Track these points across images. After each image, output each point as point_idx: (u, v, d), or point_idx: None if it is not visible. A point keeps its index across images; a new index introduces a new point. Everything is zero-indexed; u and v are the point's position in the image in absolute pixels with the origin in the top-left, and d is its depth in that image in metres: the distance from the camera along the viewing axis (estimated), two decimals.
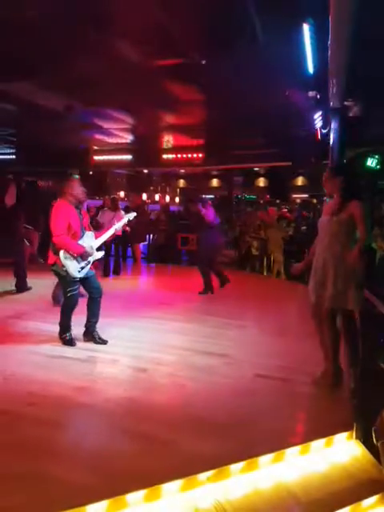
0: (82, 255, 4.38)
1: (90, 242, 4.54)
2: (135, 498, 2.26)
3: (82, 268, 4.44)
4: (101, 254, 4.68)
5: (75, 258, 4.37)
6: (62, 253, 4.31)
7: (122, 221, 4.94)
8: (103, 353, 4.35)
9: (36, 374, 3.77)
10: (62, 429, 2.90)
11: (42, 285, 7.21)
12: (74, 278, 4.42)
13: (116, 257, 9.31)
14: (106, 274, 8.77)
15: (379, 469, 2.73)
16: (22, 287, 6.97)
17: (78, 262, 4.40)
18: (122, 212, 8.45)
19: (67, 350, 4.39)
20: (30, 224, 6.86)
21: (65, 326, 4.57)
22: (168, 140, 11.66)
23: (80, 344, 4.53)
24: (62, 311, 4.57)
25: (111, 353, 4.37)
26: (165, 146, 11.82)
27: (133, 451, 2.66)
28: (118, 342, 4.69)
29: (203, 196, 7.58)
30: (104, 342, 4.62)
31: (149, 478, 2.38)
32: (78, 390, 3.48)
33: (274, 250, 9.58)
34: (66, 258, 4.32)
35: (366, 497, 2.52)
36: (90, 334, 4.66)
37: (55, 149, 11.55)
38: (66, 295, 4.51)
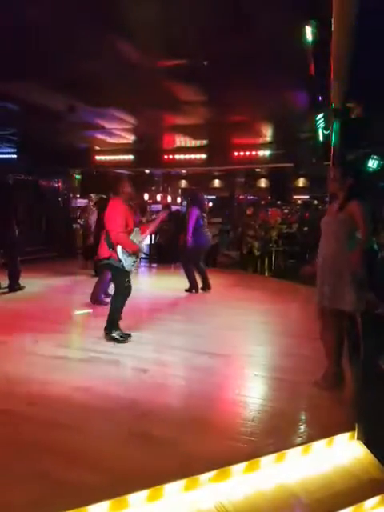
0: (136, 252, 4.58)
1: (138, 237, 4.72)
2: (137, 498, 2.27)
3: (134, 262, 4.62)
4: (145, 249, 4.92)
5: (130, 253, 4.55)
6: (119, 248, 4.45)
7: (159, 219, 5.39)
8: (104, 353, 4.35)
9: (37, 375, 3.78)
10: (62, 429, 2.89)
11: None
12: (128, 271, 4.59)
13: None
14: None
15: (381, 469, 2.73)
16: (13, 287, 6.90)
17: (132, 258, 4.58)
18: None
19: (69, 351, 4.40)
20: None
21: (116, 322, 4.66)
22: (176, 140, 11.63)
23: (81, 345, 4.54)
24: (115, 305, 4.67)
25: (112, 353, 4.37)
26: (168, 146, 11.82)
27: (134, 451, 2.66)
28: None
29: (192, 196, 7.56)
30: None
31: (150, 478, 2.38)
32: (79, 390, 3.48)
33: None
34: (123, 252, 4.48)
35: (367, 497, 2.52)
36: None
37: (57, 149, 11.54)
38: (122, 286, 4.65)
